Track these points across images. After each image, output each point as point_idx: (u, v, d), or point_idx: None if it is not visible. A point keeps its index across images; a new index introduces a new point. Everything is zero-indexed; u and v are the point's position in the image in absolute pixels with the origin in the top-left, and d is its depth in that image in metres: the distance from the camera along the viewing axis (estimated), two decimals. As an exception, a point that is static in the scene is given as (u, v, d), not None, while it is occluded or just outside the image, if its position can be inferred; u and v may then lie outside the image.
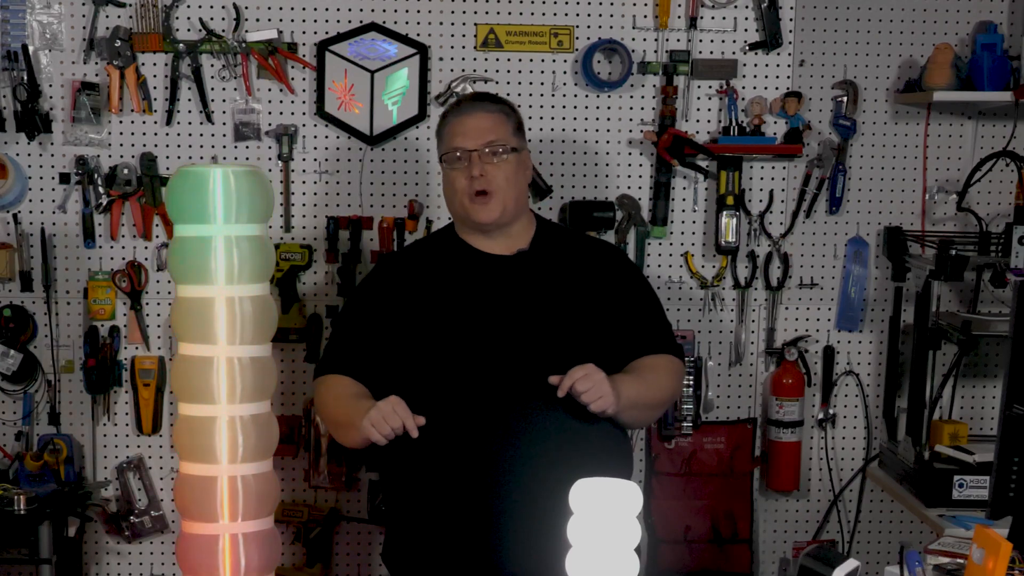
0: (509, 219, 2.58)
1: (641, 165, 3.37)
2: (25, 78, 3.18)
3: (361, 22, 3.27)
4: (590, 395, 2.35)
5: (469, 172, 2.53)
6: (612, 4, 3.30)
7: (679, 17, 3.31)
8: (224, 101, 3.28)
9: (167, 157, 3.28)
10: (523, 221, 2.64)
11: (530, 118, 3.25)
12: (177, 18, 3.23)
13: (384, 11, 3.28)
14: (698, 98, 3.35)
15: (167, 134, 3.28)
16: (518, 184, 2.58)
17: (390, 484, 2.67)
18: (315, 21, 3.27)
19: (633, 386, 2.47)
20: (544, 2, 3.30)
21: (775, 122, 3.37)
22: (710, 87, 3.35)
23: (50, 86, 3.24)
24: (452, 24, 3.30)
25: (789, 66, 3.36)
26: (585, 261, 2.65)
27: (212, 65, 3.26)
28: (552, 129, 3.34)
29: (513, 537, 2.41)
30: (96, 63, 3.24)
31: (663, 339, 2.65)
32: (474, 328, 2.51)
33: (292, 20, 3.27)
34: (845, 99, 3.38)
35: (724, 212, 3.33)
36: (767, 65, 3.36)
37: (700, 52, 3.33)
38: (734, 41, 3.34)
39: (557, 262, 2.61)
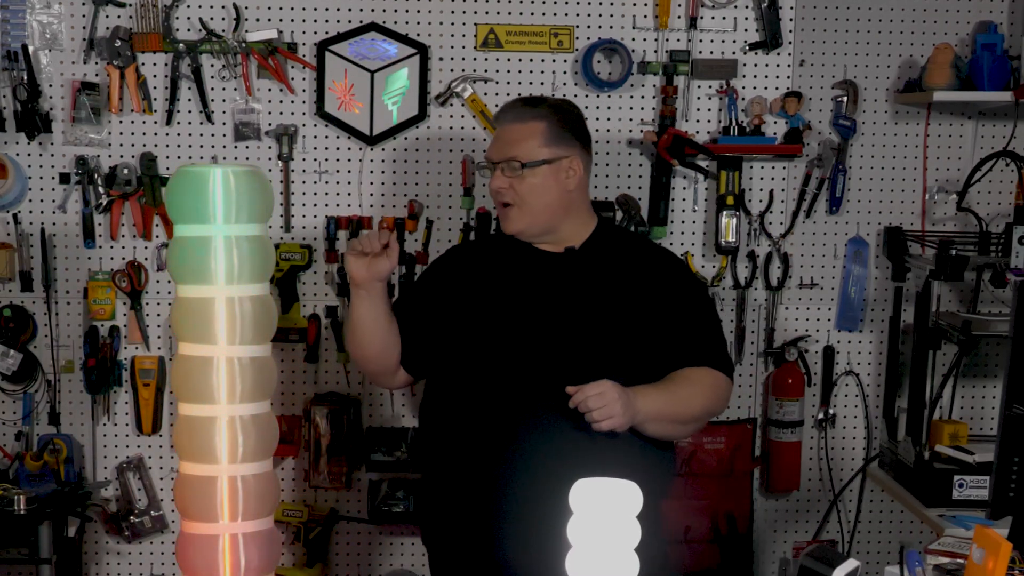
0: (540, 230, 2.55)
1: (641, 165, 3.37)
2: (25, 78, 3.18)
3: (361, 22, 3.27)
4: (598, 414, 2.32)
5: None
6: (612, 4, 3.30)
7: (679, 17, 3.31)
8: (224, 101, 3.28)
9: (167, 157, 3.28)
10: (572, 224, 2.58)
11: (530, 118, 3.25)
12: (177, 18, 3.23)
13: (384, 11, 3.28)
14: (698, 98, 3.35)
15: (167, 134, 3.28)
16: (548, 194, 2.52)
17: (423, 471, 2.73)
18: (315, 21, 3.27)
19: (658, 399, 2.43)
20: (544, 2, 3.30)
21: (775, 122, 3.37)
22: (710, 87, 3.35)
23: (50, 86, 3.24)
24: (452, 24, 3.30)
25: (789, 66, 3.36)
26: (641, 265, 2.60)
27: (212, 65, 3.26)
28: (552, 129, 3.34)
29: (515, 536, 2.42)
30: (96, 63, 3.24)
31: (710, 352, 2.56)
32: (507, 321, 2.51)
33: (292, 20, 3.27)
34: (845, 99, 3.37)
35: (724, 212, 3.32)
36: (767, 65, 3.36)
37: (700, 52, 3.33)
38: (734, 41, 3.34)
39: (609, 263, 2.57)
